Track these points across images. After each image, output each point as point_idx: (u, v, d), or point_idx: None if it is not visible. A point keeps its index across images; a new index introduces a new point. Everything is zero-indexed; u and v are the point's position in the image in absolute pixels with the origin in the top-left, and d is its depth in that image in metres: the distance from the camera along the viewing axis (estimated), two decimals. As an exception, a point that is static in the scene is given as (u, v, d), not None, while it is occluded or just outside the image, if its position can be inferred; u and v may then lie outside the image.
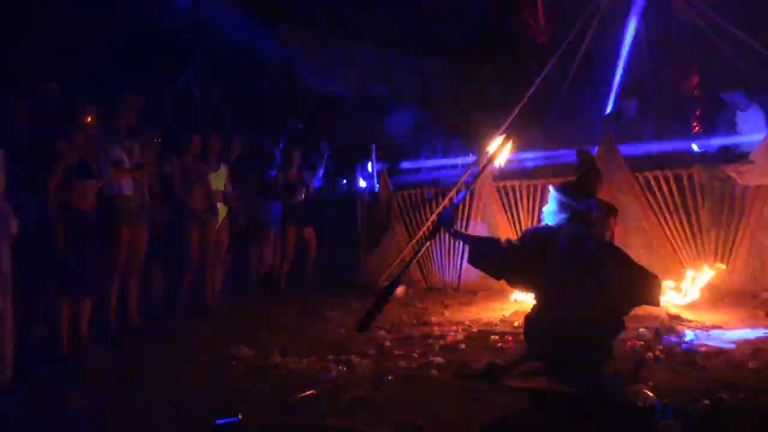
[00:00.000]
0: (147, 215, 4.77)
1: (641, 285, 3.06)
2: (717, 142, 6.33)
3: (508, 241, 3.36)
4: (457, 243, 6.47)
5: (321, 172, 7.65)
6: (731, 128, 6.14)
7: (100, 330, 4.49)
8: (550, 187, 3.41)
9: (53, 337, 4.07)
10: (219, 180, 5.84)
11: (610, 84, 9.36)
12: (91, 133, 4.27)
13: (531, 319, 3.19)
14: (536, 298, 3.25)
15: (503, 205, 6.27)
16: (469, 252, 3.43)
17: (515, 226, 6.17)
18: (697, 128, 8.05)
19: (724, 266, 5.11)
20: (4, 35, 6.60)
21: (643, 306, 4.52)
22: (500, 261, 3.24)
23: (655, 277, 3.12)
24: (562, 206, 3.26)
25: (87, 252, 4.06)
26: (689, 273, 5.06)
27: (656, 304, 3.14)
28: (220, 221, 5.83)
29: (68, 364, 3.92)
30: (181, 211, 5.34)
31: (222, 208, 5.83)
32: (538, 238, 3.20)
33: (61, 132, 4.01)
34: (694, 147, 6.54)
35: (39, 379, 3.63)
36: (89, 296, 4.17)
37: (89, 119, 4.19)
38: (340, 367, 3.64)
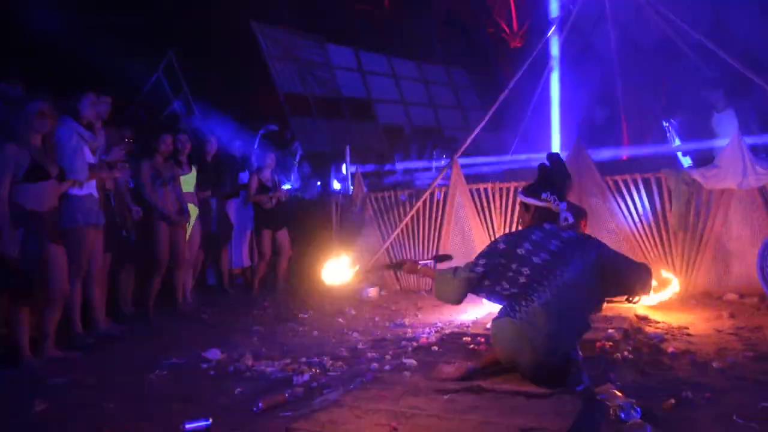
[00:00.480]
0: (106, 216, 4.67)
1: (635, 274, 3.04)
2: (690, 146, 6.49)
3: (470, 268, 3.11)
4: (431, 245, 6.49)
5: (294, 174, 7.63)
6: (707, 131, 6.26)
7: (64, 334, 4.38)
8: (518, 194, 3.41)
9: (13, 341, 3.93)
10: (190, 182, 5.78)
11: (581, 90, 9.51)
12: (47, 132, 4.09)
13: (496, 324, 3.10)
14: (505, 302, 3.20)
15: (476, 207, 6.31)
16: (436, 290, 3.24)
17: (488, 230, 6.21)
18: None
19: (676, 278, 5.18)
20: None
21: (612, 307, 4.65)
22: (465, 291, 3.16)
23: (647, 266, 3.14)
24: (527, 207, 3.24)
25: (47, 255, 3.93)
26: (663, 273, 5.13)
27: (647, 293, 3.13)
28: (191, 223, 5.77)
29: (30, 370, 3.81)
30: (151, 213, 5.26)
31: (193, 210, 5.77)
32: (508, 242, 3.13)
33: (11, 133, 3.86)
34: (685, 159, 6.67)
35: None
36: (51, 301, 4.04)
37: (47, 119, 4.01)
38: (313, 370, 3.62)
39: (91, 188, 4.49)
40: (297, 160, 8.62)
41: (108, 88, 5.01)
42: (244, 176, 7.06)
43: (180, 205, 5.49)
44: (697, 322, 4.43)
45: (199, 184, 5.98)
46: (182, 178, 5.68)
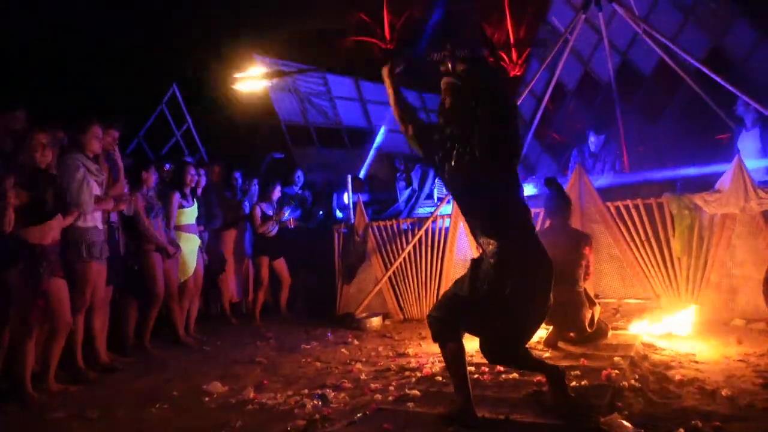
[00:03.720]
0: (109, 249, 4.66)
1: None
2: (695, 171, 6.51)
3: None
4: (434, 274, 6.47)
5: (294, 206, 7.64)
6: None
7: (65, 367, 4.35)
8: None
9: (14, 374, 3.89)
10: (193, 213, 5.79)
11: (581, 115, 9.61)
12: (49, 162, 4.09)
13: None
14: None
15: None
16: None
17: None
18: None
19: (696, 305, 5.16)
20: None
21: (617, 335, 4.60)
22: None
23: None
24: None
25: (49, 288, 3.91)
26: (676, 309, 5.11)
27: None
28: (195, 254, 5.76)
29: (32, 404, 3.77)
30: (146, 245, 5.23)
31: (195, 241, 5.77)
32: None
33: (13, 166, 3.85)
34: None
35: None
36: (55, 333, 4.02)
37: (45, 150, 4.01)
38: (315, 402, 3.58)
39: (95, 221, 4.49)
40: (299, 189, 8.66)
41: (114, 119, 5.02)
42: (246, 206, 7.05)
43: (169, 236, 5.48)
44: (704, 349, 4.37)
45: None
46: (188, 210, 5.70)
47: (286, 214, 6.95)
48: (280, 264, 6.89)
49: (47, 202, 3.93)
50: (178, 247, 5.50)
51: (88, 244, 4.37)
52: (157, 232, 5.26)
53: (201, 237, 6.06)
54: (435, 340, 3.04)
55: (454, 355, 2.96)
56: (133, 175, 5.15)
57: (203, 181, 6.15)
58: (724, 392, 3.31)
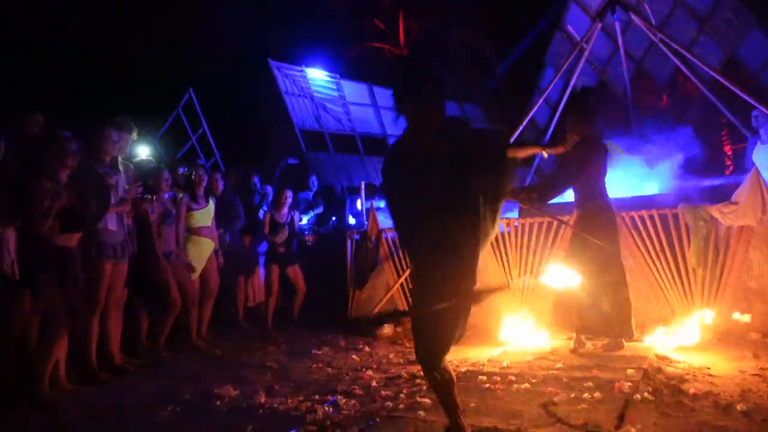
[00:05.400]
0: (129, 250, 4.70)
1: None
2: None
3: None
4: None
5: (313, 210, 7.66)
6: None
7: (79, 368, 4.39)
8: None
9: (33, 373, 3.91)
10: (207, 215, 5.82)
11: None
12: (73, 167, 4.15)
13: None
14: None
15: (491, 243, 6.26)
16: None
17: (503, 265, 6.17)
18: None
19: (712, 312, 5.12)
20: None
21: (630, 346, 4.56)
22: None
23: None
24: None
25: (68, 288, 3.96)
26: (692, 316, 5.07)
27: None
28: (208, 257, 5.79)
29: (46, 404, 3.80)
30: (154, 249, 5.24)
31: (210, 244, 5.79)
32: None
33: (43, 170, 3.91)
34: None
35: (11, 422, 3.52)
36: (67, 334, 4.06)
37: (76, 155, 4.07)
38: (326, 408, 3.58)
39: (110, 223, 4.52)
40: (312, 194, 8.69)
41: (129, 123, 5.06)
42: (260, 212, 7.09)
43: (176, 242, 5.47)
44: (719, 363, 4.32)
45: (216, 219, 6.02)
46: (200, 212, 5.73)
47: (305, 220, 6.89)
48: (295, 272, 6.85)
49: (76, 207, 3.98)
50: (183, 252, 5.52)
51: (99, 244, 4.42)
52: (168, 238, 5.28)
53: (222, 239, 6.08)
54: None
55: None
56: (148, 179, 5.19)
57: (221, 185, 6.20)
58: (739, 407, 3.26)
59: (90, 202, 4.06)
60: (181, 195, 5.62)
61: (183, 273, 5.45)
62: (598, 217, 4.53)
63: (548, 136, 8.15)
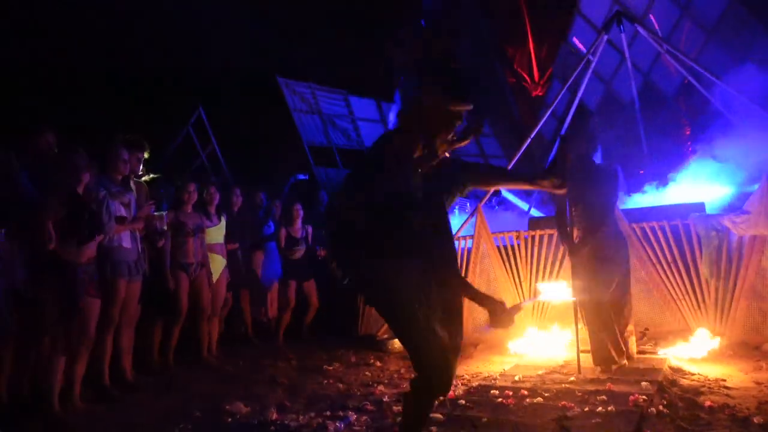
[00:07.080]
0: (142, 268, 4.73)
1: None
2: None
3: None
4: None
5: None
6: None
7: (91, 385, 4.40)
8: None
9: (43, 392, 3.93)
10: (219, 232, 5.84)
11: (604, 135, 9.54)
12: (88, 184, 4.18)
13: None
14: None
15: (501, 256, 6.25)
16: None
17: (514, 279, 6.14)
18: None
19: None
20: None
21: (644, 359, 4.51)
22: None
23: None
24: None
25: (83, 305, 3.98)
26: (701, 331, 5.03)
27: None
28: (219, 274, 5.79)
29: (58, 422, 3.81)
30: (171, 264, 5.28)
31: (220, 261, 5.81)
32: None
33: (53, 189, 3.93)
34: None
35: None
36: (83, 351, 4.08)
37: (83, 173, 4.09)
38: (337, 424, 3.56)
39: (121, 240, 4.55)
40: (322, 209, 8.69)
41: (140, 141, 5.10)
42: (272, 228, 7.10)
43: (202, 256, 5.53)
44: (734, 374, 4.26)
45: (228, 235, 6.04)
46: (212, 229, 5.75)
47: (309, 245, 6.90)
48: (310, 287, 6.86)
49: (84, 224, 4.00)
50: (205, 266, 5.52)
51: (113, 262, 4.45)
52: (182, 252, 5.30)
53: (235, 255, 6.09)
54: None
55: None
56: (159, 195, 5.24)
57: (239, 201, 6.26)
58: (756, 419, 3.22)
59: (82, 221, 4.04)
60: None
61: (202, 285, 5.46)
62: (610, 241, 4.49)
63: (555, 149, 8.14)
